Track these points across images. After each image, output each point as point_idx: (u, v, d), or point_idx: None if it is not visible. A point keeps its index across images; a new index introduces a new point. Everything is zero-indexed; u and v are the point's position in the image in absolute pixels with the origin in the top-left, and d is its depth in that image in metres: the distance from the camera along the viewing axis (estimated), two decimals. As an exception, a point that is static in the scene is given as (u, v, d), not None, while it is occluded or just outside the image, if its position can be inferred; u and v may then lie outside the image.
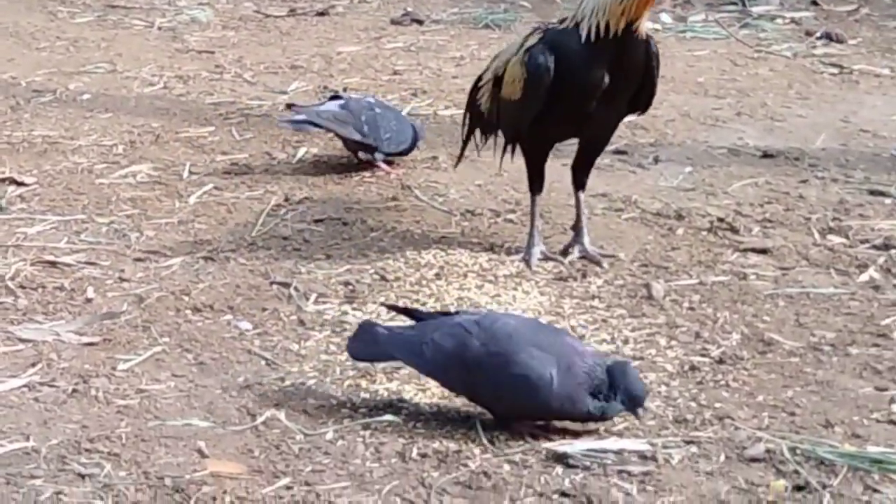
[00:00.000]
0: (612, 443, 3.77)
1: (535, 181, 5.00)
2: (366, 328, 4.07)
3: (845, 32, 7.77)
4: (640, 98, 4.86)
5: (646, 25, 4.68)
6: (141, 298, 4.72)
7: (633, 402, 3.80)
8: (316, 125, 5.80)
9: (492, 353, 3.82)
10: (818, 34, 7.73)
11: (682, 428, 3.89)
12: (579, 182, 5.02)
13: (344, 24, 8.19)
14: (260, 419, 3.96)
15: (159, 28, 8.12)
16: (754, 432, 3.83)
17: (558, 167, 5.31)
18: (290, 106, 6.08)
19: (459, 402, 4.04)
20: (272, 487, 3.64)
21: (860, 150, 6.04)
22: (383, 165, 5.79)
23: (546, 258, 4.93)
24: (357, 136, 5.77)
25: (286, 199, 5.54)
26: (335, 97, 5.99)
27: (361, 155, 5.81)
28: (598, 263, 4.88)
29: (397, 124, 5.80)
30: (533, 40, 4.80)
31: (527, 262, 4.92)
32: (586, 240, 4.97)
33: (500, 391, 3.81)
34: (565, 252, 4.97)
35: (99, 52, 7.63)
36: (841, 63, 7.26)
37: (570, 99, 4.72)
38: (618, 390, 3.78)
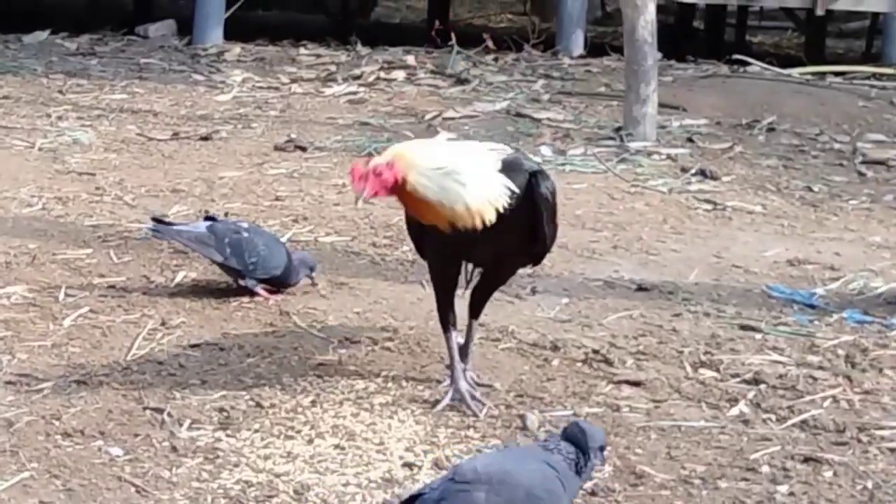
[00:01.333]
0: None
1: (441, 314, 4.86)
2: None
3: (719, 169, 7.96)
4: (534, 249, 4.76)
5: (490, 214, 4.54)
6: (10, 423, 4.64)
7: (601, 449, 3.86)
8: (173, 240, 5.93)
9: (499, 492, 3.70)
10: (693, 170, 7.92)
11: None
12: (473, 310, 4.95)
13: (227, 149, 8.22)
14: (128, 548, 3.90)
15: (40, 149, 8.08)
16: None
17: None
18: (155, 220, 6.05)
19: (331, 532, 4.01)
20: None
21: (732, 286, 6.17)
22: (260, 291, 5.79)
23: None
24: (219, 259, 5.79)
25: (163, 324, 5.50)
26: (209, 218, 6.01)
27: (240, 281, 5.81)
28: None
29: (266, 250, 5.76)
30: None
31: (461, 401, 4.80)
32: (468, 367, 4.94)
33: None
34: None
35: (-23, 172, 7.57)
36: (715, 199, 7.43)
37: (442, 246, 4.68)
38: (587, 449, 3.81)
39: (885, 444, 4.63)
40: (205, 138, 8.42)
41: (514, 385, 5.02)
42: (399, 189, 4.53)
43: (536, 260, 4.94)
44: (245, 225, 5.97)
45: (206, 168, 7.80)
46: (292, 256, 5.83)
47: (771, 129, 8.98)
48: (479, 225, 4.55)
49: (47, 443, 4.52)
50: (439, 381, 5.01)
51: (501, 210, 4.55)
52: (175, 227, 5.95)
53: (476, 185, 4.53)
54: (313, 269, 5.85)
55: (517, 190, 4.58)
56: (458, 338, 4.89)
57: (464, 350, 4.98)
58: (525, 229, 4.65)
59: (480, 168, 4.57)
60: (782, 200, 7.48)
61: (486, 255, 4.75)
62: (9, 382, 4.95)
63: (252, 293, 5.79)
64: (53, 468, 4.35)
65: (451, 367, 4.87)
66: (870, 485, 4.35)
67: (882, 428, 4.73)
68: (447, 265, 4.82)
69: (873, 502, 4.25)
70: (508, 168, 4.61)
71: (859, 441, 4.65)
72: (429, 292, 5.12)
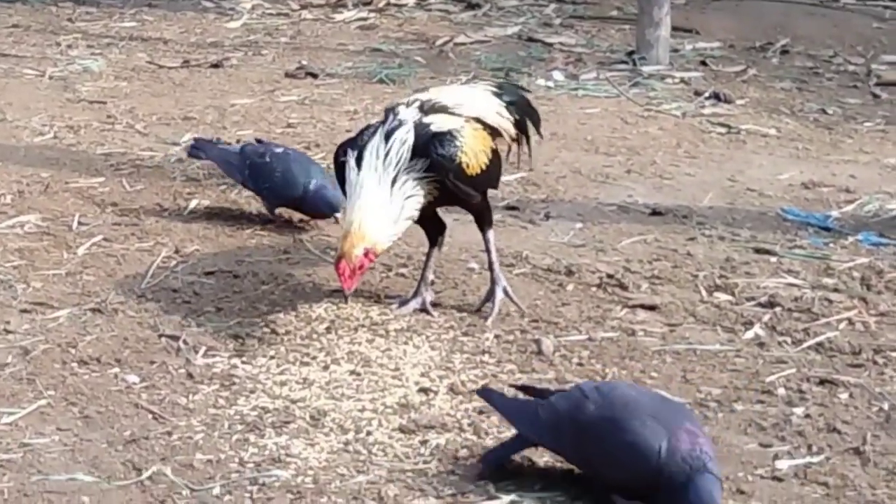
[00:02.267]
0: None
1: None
2: (484, 394, 4.10)
3: (733, 93, 7.90)
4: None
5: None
6: (26, 350, 4.65)
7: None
8: (208, 159, 6.03)
9: (605, 418, 3.75)
10: (707, 94, 7.86)
11: (574, 485, 3.90)
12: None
13: (238, 77, 8.17)
14: (146, 474, 3.92)
15: (51, 78, 8.05)
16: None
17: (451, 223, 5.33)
18: (197, 139, 6.19)
19: (349, 458, 4.03)
20: (157, 543, 3.60)
21: (747, 209, 6.14)
22: (266, 211, 5.82)
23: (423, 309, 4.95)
24: (238, 178, 5.87)
25: (177, 251, 5.50)
26: (258, 141, 6.06)
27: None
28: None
29: (281, 177, 5.72)
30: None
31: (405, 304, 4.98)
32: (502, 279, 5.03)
33: (609, 457, 3.72)
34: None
35: (-12, 101, 7.55)
36: (729, 123, 7.38)
37: None
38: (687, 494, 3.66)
39: (900, 365, 4.63)
40: (215, 66, 8.38)
41: (529, 310, 5.01)
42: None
43: (469, 203, 5.02)
44: (279, 150, 5.90)
45: (218, 95, 7.76)
46: (322, 190, 5.75)
47: (784, 52, 8.90)
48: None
49: (64, 370, 4.53)
50: (455, 308, 5.01)
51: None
52: (212, 146, 6.05)
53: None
54: (336, 210, 5.76)
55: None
56: (433, 258, 5.09)
57: (490, 262, 5.03)
58: (444, 188, 4.86)
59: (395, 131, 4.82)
60: (796, 123, 7.43)
61: (443, 205, 5.02)
62: (24, 311, 4.96)
63: (268, 218, 5.80)
64: (70, 395, 4.36)
65: (421, 275, 5.04)
66: (886, 406, 4.35)
67: (898, 350, 4.73)
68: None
69: (889, 423, 4.25)
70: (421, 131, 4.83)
71: (875, 363, 4.65)
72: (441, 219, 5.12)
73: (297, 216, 5.85)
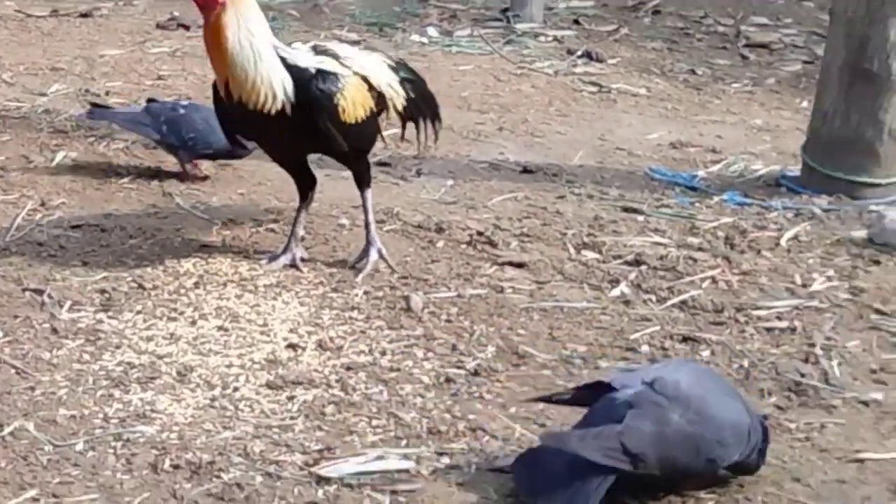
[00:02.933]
0: (373, 464, 3.80)
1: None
2: (555, 440, 3.69)
3: (605, 52, 7.97)
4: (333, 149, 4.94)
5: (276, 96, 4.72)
6: None
7: (762, 456, 3.73)
8: (113, 122, 5.92)
9: (692, 422, 3.60)
10: (579, 53, 7.92)
11: (436, 440, 3.94)
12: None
13: (108, 27, 8.06)
14: (7, 429, 3.87)
15: (-86, 24, 7.87)
16: (504, 444, 3.91)
17: (322, 178, 5.31)
18: (94, 105, 6.04)
19: (215, 413, 4.02)
20: (18, 500, 3.57)
21: (615, 168, 6.21)
22: (188, 167, 5.74)
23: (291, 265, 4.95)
24: (155, 136, 5.74)
25: (42, 204, 5.42)
26: (150, 100, 5.93)
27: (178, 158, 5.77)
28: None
29: (205, 125, 5.65)
30: None
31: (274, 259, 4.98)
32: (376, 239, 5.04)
33: (705, 453, 3.62)
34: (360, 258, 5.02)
35: None
36: (600, 82, 7.44)
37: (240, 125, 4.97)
38: (763, 447, 3.71)
39: (761, 323, 4.72)
40: (85, 15, 8.24)
41: (399, 267, 5.03)
42: (213, 15, 4.68)
43: (348, 160, 5.02)
44: (184, 103, 5.86)
45: (87, 46, 7.64)
46: None
47: (656, 12, 8.99)
48: (257, 105, 4.72)
49: (-76, 325, 4.45)
50: (325, 264, 5.01)
51: (280, 100, 4.73)
52: (112, 111, 5.93)
53: (268, 64, 4.71)
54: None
55: (295, 88, 4.74)
56: (303, 213, 5.06)
57: (366, 221, 5.04)
58: (315, 129, 4.80)
59: (285, 53, 4.77)
60: (666, 83, 7.52)
61: (288, 146, 4.94)
62: None
63: (183, 175, 5.73)
64: (-69, 350, 4.29)
65: (291, 231, 5.02)
66: (746, 363, 4.44)
67: (759, 308, 4.82)
68: (277, 157, 5.07)
69: (748, 380, 4.34)
70: (305, 65, 4.80)
71: (736, 321, 4.74)
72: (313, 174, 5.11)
73: (173, 166, 5.79)
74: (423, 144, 5.27)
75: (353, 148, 4.94)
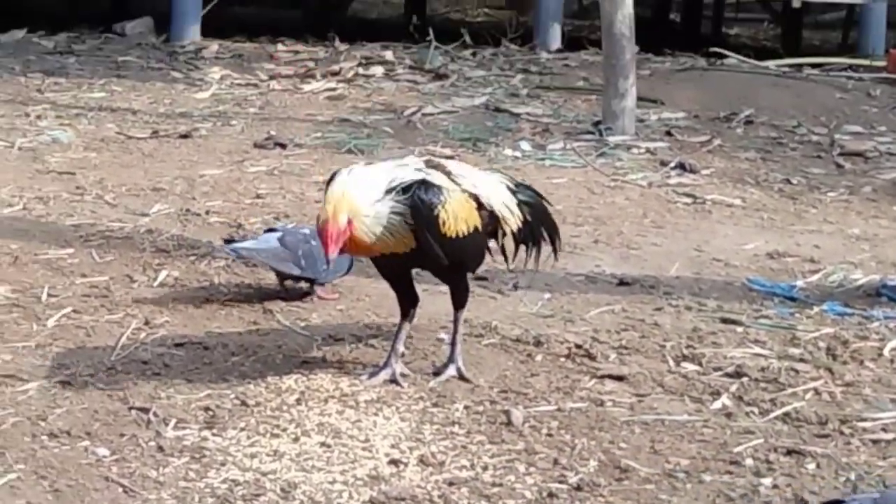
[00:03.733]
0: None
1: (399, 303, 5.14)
2: None
3: (698, 163, 8.00)
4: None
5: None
6: (-5, 424, 4.64)
7: None
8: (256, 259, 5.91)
9: None
10: (672, 164, 7.95)
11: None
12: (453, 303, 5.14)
13: (207, 147, 8.22)
14: (116, 548, 3.91)
15: (20, 148, 8.07)
16: (611, 559, 3.89)
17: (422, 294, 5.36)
18: (227, 241, 6.06)
19: (319, 530, 4.03)
20: None
21: (713, 279, 6.20)
22: (324, 294, 5.82)
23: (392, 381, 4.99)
24: (297, 272, 5.78)
25: (146, 323, 5.51)
26: (271, 230, 6.00)
27: (288, 283, 5.83)
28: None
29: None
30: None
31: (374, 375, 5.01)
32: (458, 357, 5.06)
33: None
34: (438, 372, 5.05)
35: (-43, 172, 7.56)
36: (694, 193, 7.46)
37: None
38: None
39: (866, 435, 4.67)
40: (184, 136, 8.43)
41: (498, 381, 5.04)
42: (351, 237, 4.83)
43: (447, 276, 5.08)
44: (307, 231, 5.89)
45: (187, 166, 7.80)
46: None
47: (749, 122, 9.02)
48: (401, 251, 4.89)
49: (34, 444, 4.52)
50: (424, 377, 5.04)
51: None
52: (252, 248, 5.88)
53: (393, 222, 4.83)
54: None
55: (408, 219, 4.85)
56: (405, 330, 5.10)
57: (452, 339, 5.08)
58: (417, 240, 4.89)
59: (395, 179, 4.87)
60: (761, 193, 7.52)
61: (395, 260, 4.98)
62: (-7, 384, 4.95)
63: (308, 295, 5.82)
64: (40, 469, 4.35)
65: (392, 346, 5.05)
66: (853, 476, 4.39)
67: (864, 420, 4.77)
68: (386, 274, 5.13)
69: (857, 493, 4.28)
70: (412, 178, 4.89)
71: (841, 433, 4.69)
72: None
73: (273, 283, 5.86)
74: (535, 263, 5.26)
75: (453, 263, 4.98)
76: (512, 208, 5.08)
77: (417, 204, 4.83)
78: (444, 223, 4.86)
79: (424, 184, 4.86)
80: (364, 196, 4.78)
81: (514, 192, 5.12)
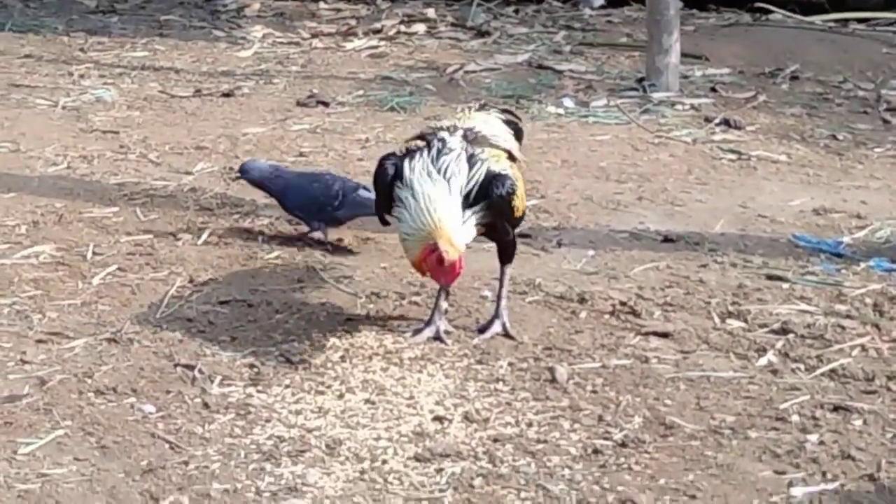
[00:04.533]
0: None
1: None
2: None
3: (743, 119, 7.92)
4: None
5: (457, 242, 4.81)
6: (43, 381, 4.68)
7: None
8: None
9: None
10: (717, 120, 7.88)
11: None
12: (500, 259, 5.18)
13: (249, 106, 8.21)
14: (163, 503, 3.93)
15: (63, 108, 8.09)
16: (656, 516, 3.88)
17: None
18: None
19: (364, 486, 4.05)
20: (175, 573, 3.62)
21: (758, 236, 6.16)
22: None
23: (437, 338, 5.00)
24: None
25: (191, 281, 5.53)
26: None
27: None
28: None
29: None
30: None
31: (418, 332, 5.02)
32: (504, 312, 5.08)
33: None
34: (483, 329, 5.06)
35: (2, 132, 7.58)
36: (739, 149, 7.40)
37: None
38: None
39: (914, 392, 4.64)
40: (227, 95, 8.42)
41: (542, 338, 5.03)
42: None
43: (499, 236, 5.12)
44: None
45: (230, 125, 7.80)
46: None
47: (794, 78, 8.93)
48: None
49: (80, 400, 4.55)
50: (469, 334, 5.04)
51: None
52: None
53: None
54: None
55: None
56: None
57: (498, 294, 5.11)
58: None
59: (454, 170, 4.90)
60: (807, 149, 7.45)
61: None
62: (40, 341, 4.99)
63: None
64: (87, 426, 4.39)
65: (435, 304, 5.07)
66: (899, 433, 4.37)
67: (911, 376, 4.74)
68: None
69: (904, 450, 4.27)
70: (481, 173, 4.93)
71: (888, 389, 4.66)
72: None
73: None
74: None
75: (512, 227, 5.10)
76: (515, 143, 5.26)
77: (498, 202, 4.90)
78: (516, 209, 4.98)
79: (498, 178, 4.90)
80: (456, 225, 4.82)
81: (508, 124, 5.33)
